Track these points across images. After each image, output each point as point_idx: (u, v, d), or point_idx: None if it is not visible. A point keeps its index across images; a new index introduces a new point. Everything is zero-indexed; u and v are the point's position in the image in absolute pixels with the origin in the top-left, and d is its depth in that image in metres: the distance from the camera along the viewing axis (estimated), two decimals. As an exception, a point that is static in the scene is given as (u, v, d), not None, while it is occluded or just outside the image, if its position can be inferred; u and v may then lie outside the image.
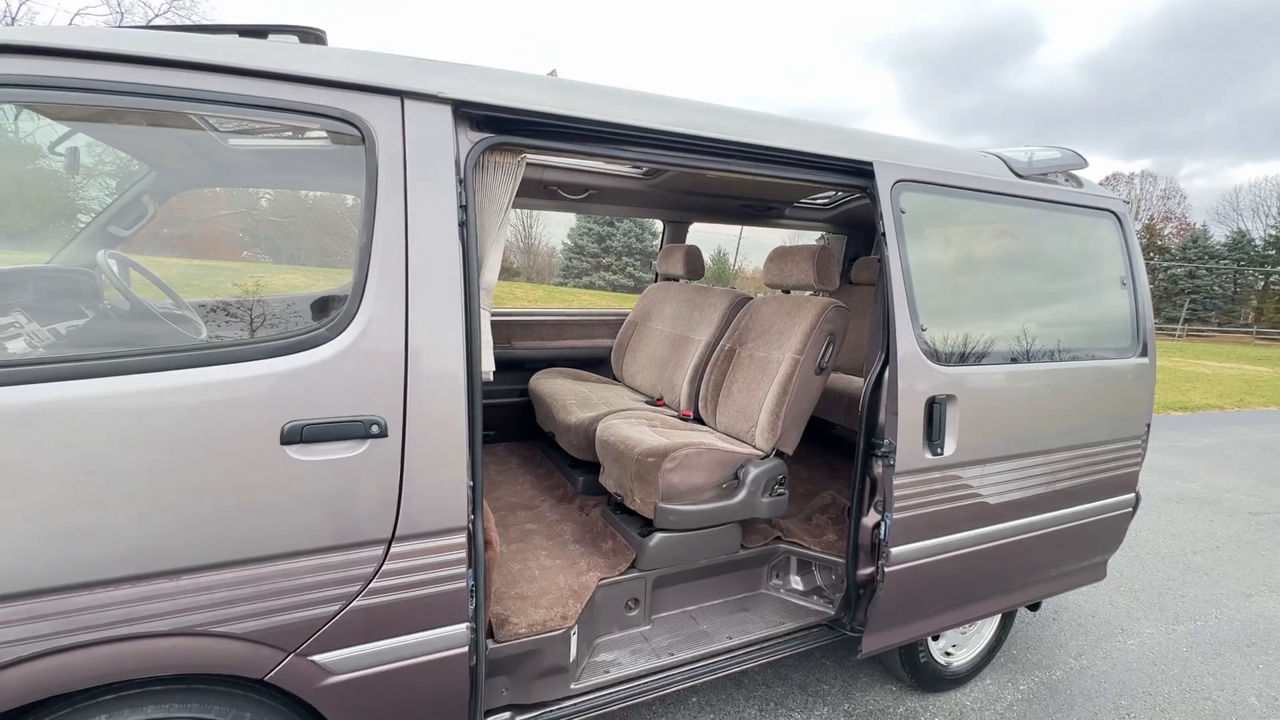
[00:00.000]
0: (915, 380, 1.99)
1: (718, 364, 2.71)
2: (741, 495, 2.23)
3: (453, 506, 1.46)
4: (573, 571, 2.14)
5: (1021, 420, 2.21)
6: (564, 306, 3.40)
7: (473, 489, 1.55)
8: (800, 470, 3.32)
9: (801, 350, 2.33)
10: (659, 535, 2.16)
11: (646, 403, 3.14)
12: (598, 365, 3.78)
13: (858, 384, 3.35)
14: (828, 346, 2.35)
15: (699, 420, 2.81)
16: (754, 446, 2.41)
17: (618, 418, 2.56)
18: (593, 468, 2.68)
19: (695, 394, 2.83)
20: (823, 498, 2.79)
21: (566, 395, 3.01)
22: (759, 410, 2.40)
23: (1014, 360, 2.22)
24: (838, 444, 3.82)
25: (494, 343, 3.41)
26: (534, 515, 2.61)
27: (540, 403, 3.12)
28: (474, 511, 1.55)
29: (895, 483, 1.99)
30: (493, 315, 3.42)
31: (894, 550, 2.03)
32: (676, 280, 3.58)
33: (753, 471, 2.25)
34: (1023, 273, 2.36)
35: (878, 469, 2.07)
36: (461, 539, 1.49)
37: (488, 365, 1.63)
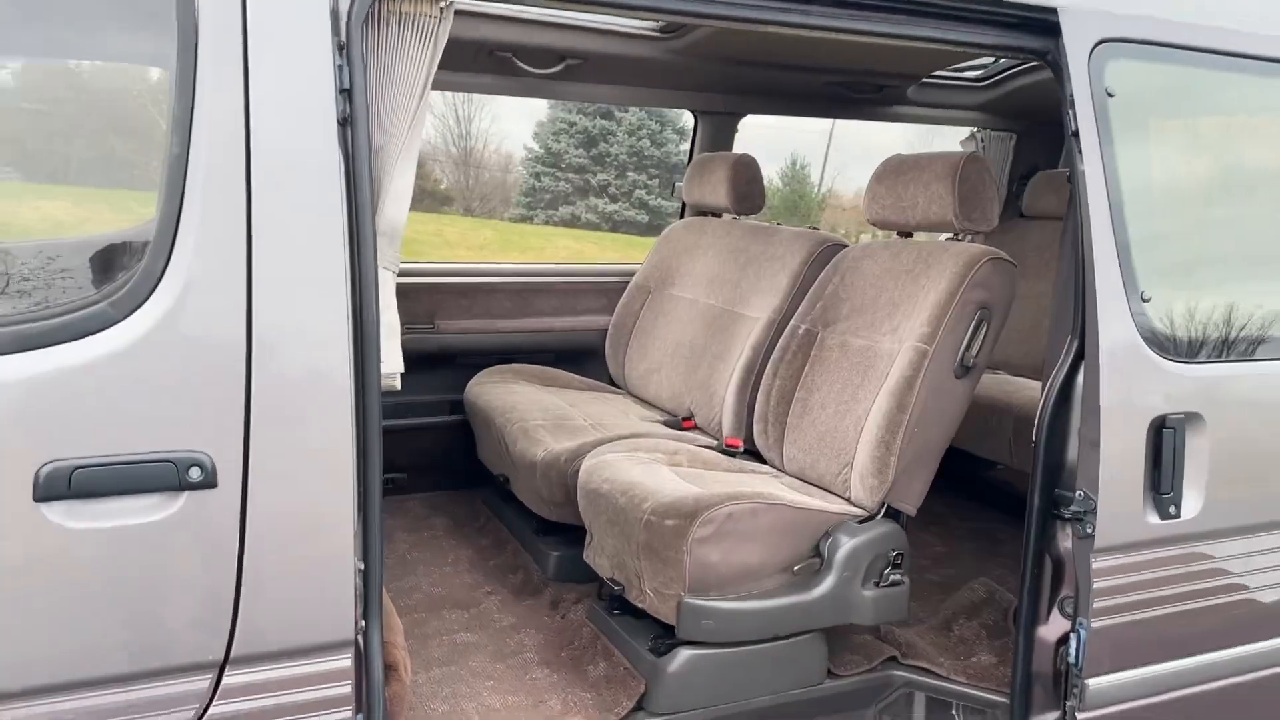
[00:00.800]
0: (1132, 388, 1.96)
1: (788, 360, 2.69)
2: (827, 584, 2.22)
3: (329, 607, 1.45)
4: (539, 717, 2.14)
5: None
6: (525, 260, 3.41)
7: (365, 575, 1.54)
8: (932, 542, 3.32)
9: (933, 336, 2.30)
10: (685, 653, 2.15)
11: (666, 424, 3.13)
12: (583, 361, 3.78)
13: (1031, 394, 3.31)
14: (979, 329, 2.32)
15: (754, 455, 2.80)
16: (848, 501, 2.39)
17: (616, 451, 2.54)
18: (574, 535, 2.68)
19: (748, 410, 2.82)
20: (971, 590, 2.76)
21: (529, 412, 3.00)
22: (857, 438, 2.37)
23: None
24: (998, 496, 3.82)
25: (405, 323, 3.41)
26: (474, 618, 2.61)
27: (485, 425, 3.12)
28: (366, 616, 1.54)
29: (1096, 565, 1.96)
30: (402, 276, 3.42)
31: (1093, 684, 2.00)
32: (717, 216, 3.56)
33: (846, 543, 2.23)
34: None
35: (1064, 542, 2.04)
36: (344, 662, 1.48)
37: (392, 363, 1.61)
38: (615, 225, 21.65)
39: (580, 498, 2.43)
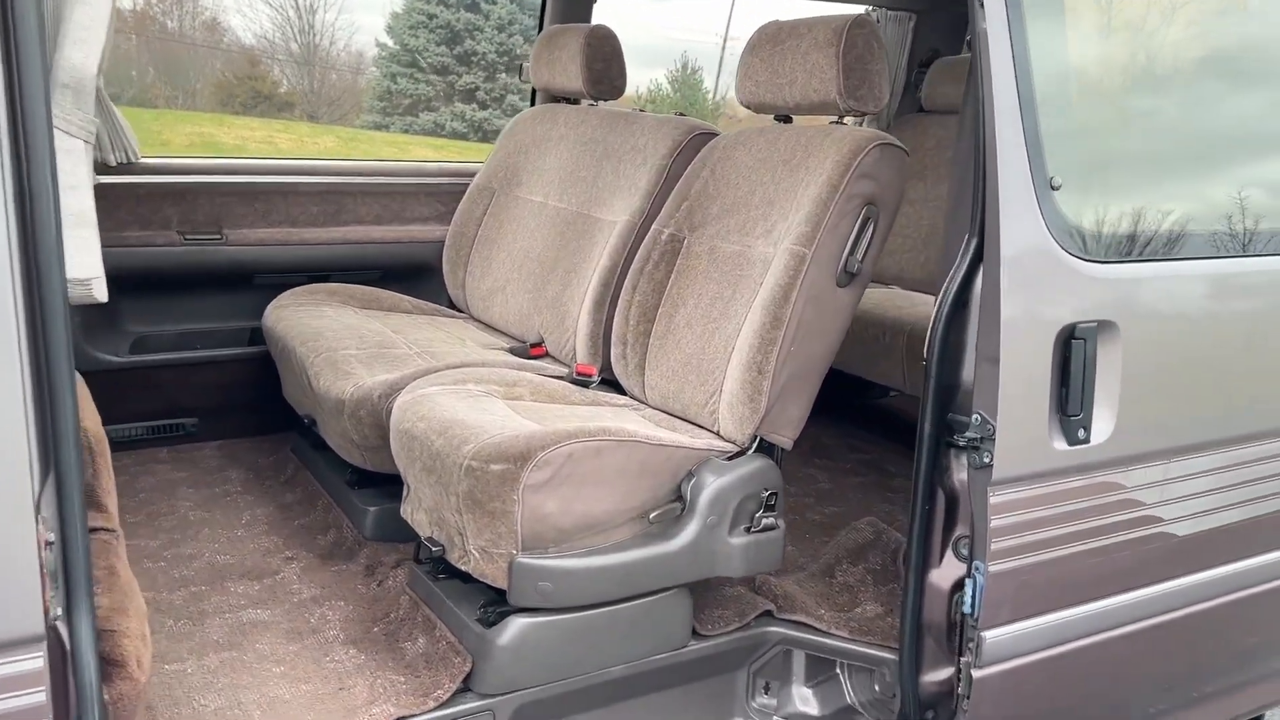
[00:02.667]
0: (1038, 293, 1.84)
1: (649, 271, 2.47)
2: (689, 532, 2.04)
3: (2, 594, 1.20)
4: (337, 708, 1.90)
5: (1246, 372, 2.15)
6: (334, 158, 3.07)
7: (63, 550, 1.29)
8: (816, 477, 3.20)
9: (812, 237, 2.11)
10: (519, 622, 1.95)
11: (512, 352, 2.88)
12: (415, 280, 3.48)
13: (928, 311, 3.18)
14: (865, 228, 2.15)
15: (613, 385, 2.58)
16: (717, 434, 2.21)
17: (440, 383, 2.28)
18: (396, 486, 2.44)
19: (605, 333, 2.60)
20: (856, 531, 2.65)
21: (340, 340, 2.70)
22: (727, 361, 2.18)
23: (1233, 253, 2.12)
24: (891, 425, 3.75)
25: (186, 233, 3.02)
26: (267, 590, 2.33)
27: (286, 357, 2.81)
28: (69, 601, 1.30)
29: (994, 500, 1.85)
30: (180, 175, 3.02)
31: (990, 636, 1.90)
32: (572, 102, 3.29)
33: (711, 484, 2.05)
34: (1263, 84, 2.25)
35: (959, 474, 1.93)
36: (34, 663, 1.24)
37: (86, 266, 1.31)
38: (486, 135, 20.96)
39: (393, 440, 2.17)
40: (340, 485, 2.71)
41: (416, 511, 2.16)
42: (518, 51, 21.69)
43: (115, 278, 2.95)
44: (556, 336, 2.81)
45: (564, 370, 2.69)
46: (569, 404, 2.40)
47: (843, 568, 2.49)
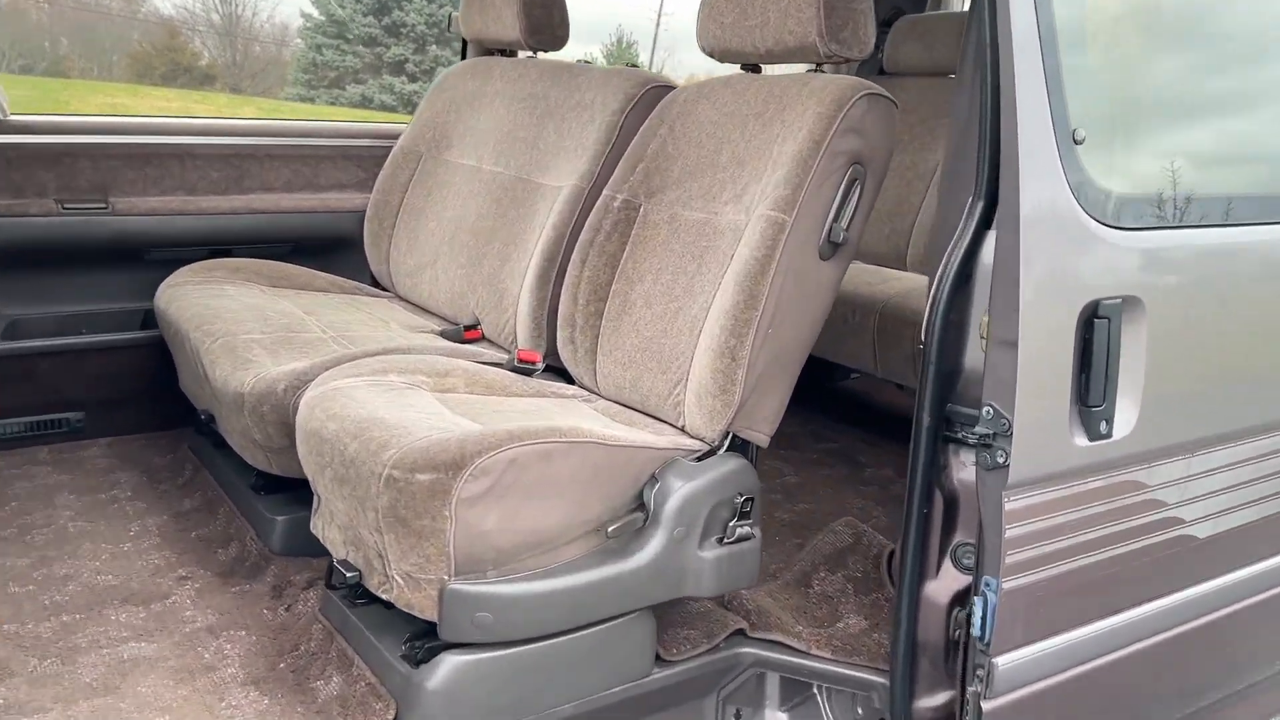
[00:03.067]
0: (1061, 263, 1.59)
1: (600, 242, 2.16)
2: (654, 547, 1.75)
3: None
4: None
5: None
6: (238, 117, 2.68)
7: None
8: (782, 469, 2.93)
9: (791, 202, 1.81)
10: (452, 661, 1.64)
11: (444, 335, 2.55)
12: (333, 255, 3.11)
13: (899, 287, 2.95)
14: (851, 190, 1.86)
15: (560, 373, 2.28)
16: (682, 430, 1.92)
17: (357, 374, 1.94)
18: (305, 490, 2.11)
19: (550, 313, 2.28)
20: (834, 534, 2.38)
21: (241, 323, 2.34)
22: (694, 346, 1.89)
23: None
24: (857, 409, 3.49)
25: (64, 201, 2.63)
26: (155, 618, 1.99)
27: (179, 342, 2.44)
28: None
29: (1010, 506, 1.59)
30: (56, 134, 2.62)
31: (1002, 662, 1.65)
32: (507, 54, 2.95)
33: (678, 489, 1.76)
34: None
35: (960, 472, 1.70)
36: None
37: None
38: (415, 109, 20.44)
39: (299, 443, 1.83)
40: (244, 490, 2.36)
41: (328, 527, 1.83)
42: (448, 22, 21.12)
43: (-16, 253, 2.58)
44: (494, 318, 2.48)
45: (504, 357, 2.37)
46: (510, 396, 2.08)
47: (820, 576, 2.22)
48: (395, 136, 3.06)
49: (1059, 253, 1.59)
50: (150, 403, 2.85)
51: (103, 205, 2.68)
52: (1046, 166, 1.56)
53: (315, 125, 3.09)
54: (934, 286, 1.67)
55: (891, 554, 2.26)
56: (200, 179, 2.83)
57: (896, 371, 2.81)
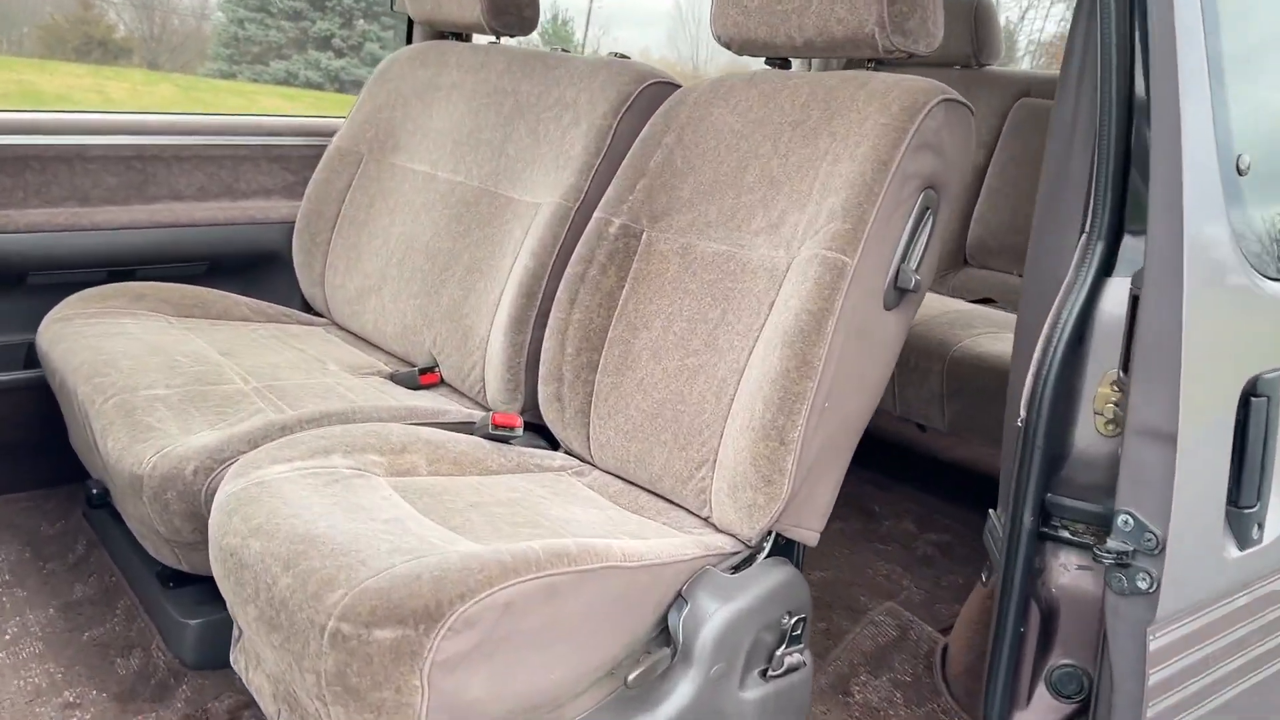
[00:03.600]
0: (1221, 328, 1.24)
1: (593, 278, 1.75)
2: (686, 692, 1.35)
3: None
4: None
5: None
6: (141, 111, 2.15)
7: None
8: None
9: (854, 238, 1.42)
10: None
11: (394, 379, 2.12)
12: (255, 275, 2.63)
13: (940, 315, 2.55)
14: (923, 223, 1.48)
15: (537, 429, 1.86)
16: (707, 523, 1.53)
17: (287, 454, 1.50)
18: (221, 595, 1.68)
19: (530, 363, 1.87)
20: (875, 627, 2.00)
21: (141, 372, 1.87)
22: (724, 418, 1.49)
23: None
24: (878, 448, 2.97)
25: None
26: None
27: (66, 395, 1.96)
28: None
29: (1156, 645, 1.24)
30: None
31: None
32: (463, 39, 2.51)
33: (714, 614, 1.36)
34: None
35: (1061, 578, 1.37)
36: None
37: None
38: (343, 85, 19.66)
39: (213, 559, 1.38)
40: (148, 580, 1.90)
41: (253, 670, 1.39)
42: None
43: None
44: (456, 360, 2.05)
45: (471, 412, 1.94)
46: (484, 474, 1.66)
47: (861, 680, 1.85)
48: (329, 134, 2.59)
49: (1222, 314, 1.23)
50: (35, 455, 2.36)
51: None
52: (1207, 202, 1.20)
53: (233, 120, 2.60)
54: (1043, 347, 1.31)
55: (945, 650, 1.90)
56: (94, 186, 2.34)
57: (917, 410, 2.44)
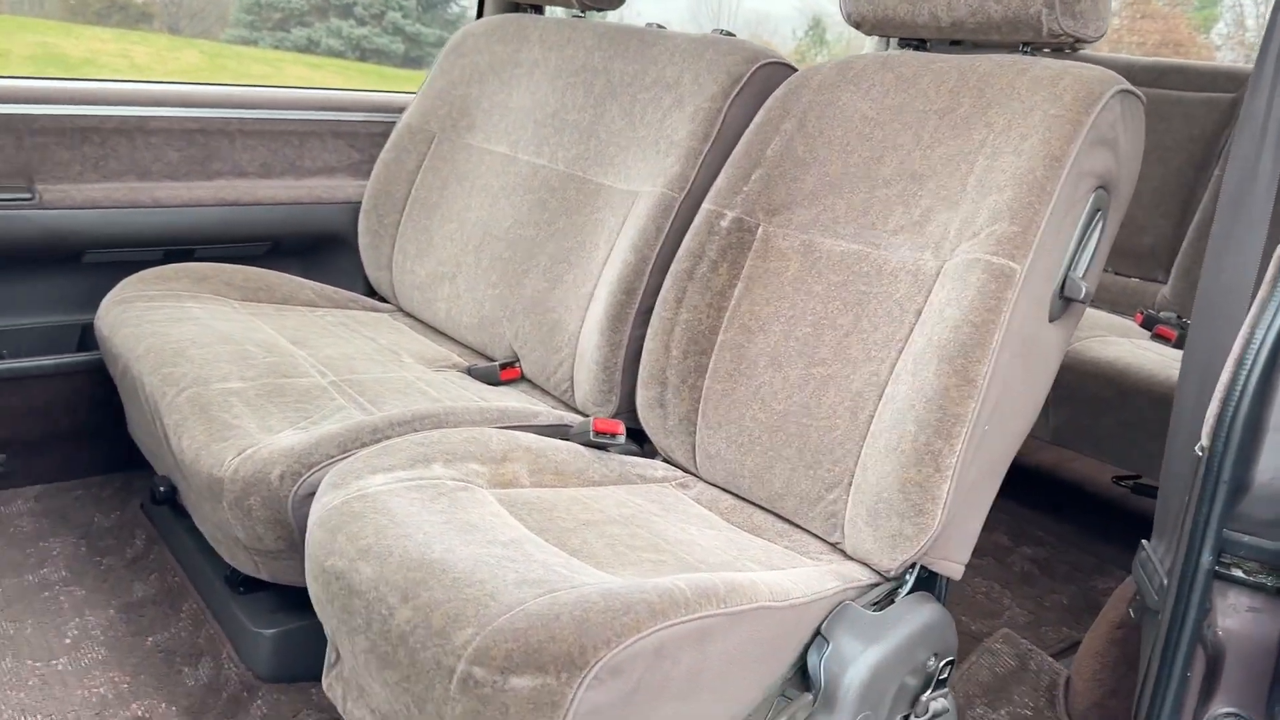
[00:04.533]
0: None
1: (703, 275, 1.62)
2: (826, 738, 1.24)
3: None
4: None
5: None
6: (203, 83, 2.00)
7: None
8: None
9: (1023, 242, 1.29)
10: None
11: (472, 373, 2.01)
12: (319, 257, 2.51)
13: (1105, 330, 2.38)
14: (1093, 226, 1.35)
15: (638, 437, 1.75)
16: (839, 551, 1.41)
17: (385, 462, 1.39)
18: (303, 592, 1.58)
19: (628, 364, 1.75)
20: (991, 655, 1.88)
21: (213, 362, 1.76)
22: (861, 437, 1.37)
23: None
24: (1022, 475, 2.82)
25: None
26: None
27: (130, 384, 1.85)
28: None
29: None
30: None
31: None
32: (538, 11, 2.37)
33: (859, 658, 1.24)
34: None
35: (1229, 619, 1.24)
36: None
37: None
38: (364, 54, 19.46)
39: (311, 581, 1.27)
40: (216, 584, 1.80)
41: (354, 702, 1.28)
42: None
43: None
44: (540, 356, 1.93)
45: (560, 414, 1.82)
46: (587, 485, 1.54)
47: (978, 713, 1.73)
48: (399, 109, 2.47)
49: None
50: (91, 442, 2.26)
51: (26, 195, 2.06)
52: None
53: (298, 94, 2.47)
54: (1233, 369, 1.17)
55: (1068, 683, 1.78)
56: (154, 161, 2.22)
57: (1071, 437, 2.29)
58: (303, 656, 1.64)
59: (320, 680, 1.58)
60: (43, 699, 1.61)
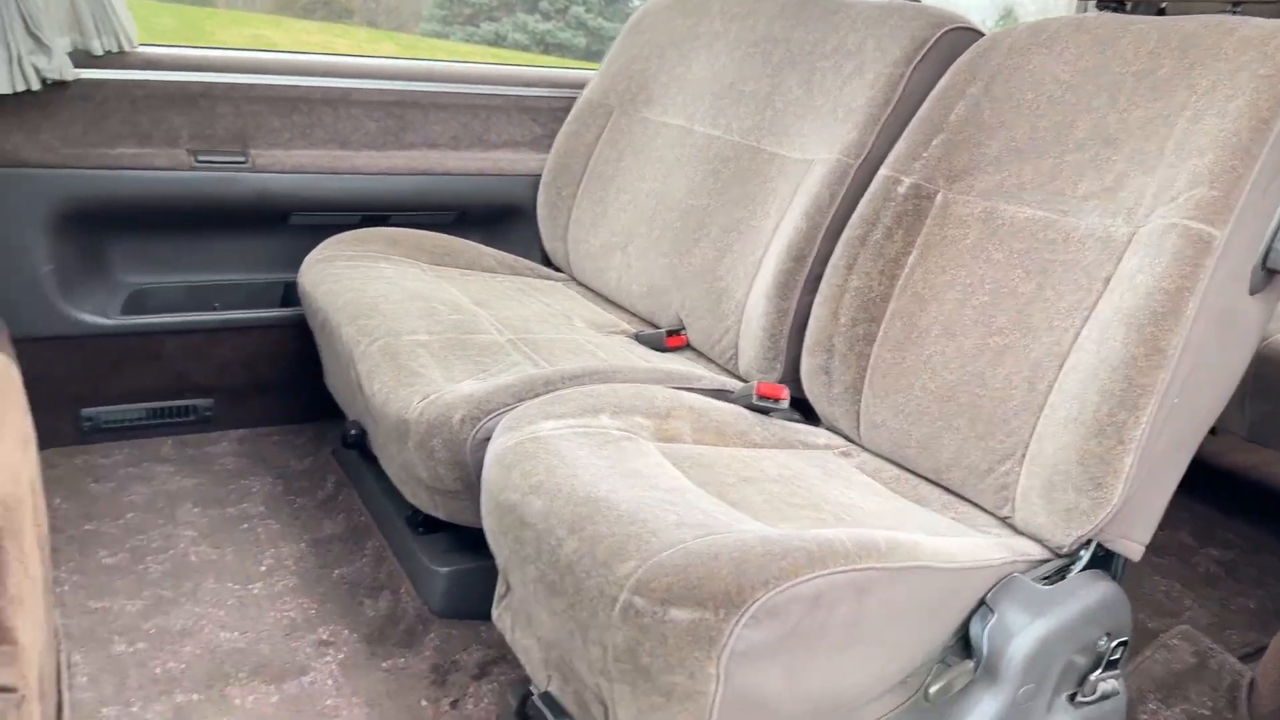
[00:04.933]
0: None
1: (876, 242, 1.61)
2: (988, 709, 1.21)
3: None
4: None
5: None
6: (401, 58, 2.14)
7: None
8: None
9: (1224, 208, 1.21)
10: None
11: (639, 339, 2.06)
12: (500, 226, 2.63)
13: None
14: None
15: (800, 408, 1.74)
16: (1004, 521, 1.37)
17: (556, 410, 1.45)
18: (479, 534, 1.66)
19: (793, 332, 1.75)
20: (1168, 651, 1.79)
21: (403, 316, 1.88)
22: (1039, 409, 1.33)
23: None
24: (1212, 475, 2.63)
25: (199, 151, 2.21)
26: (292, 705, 1.56)
27: (328, 335, 2.00)
28: None
29: None
30: (186, 71, 2.19)
31: None
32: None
33: (1027, 628, 1.21)
34: None
35: None
36: None
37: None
38: (547, 48, 20.05)
39: (486, 514, 1.35)
40: (397, 524, 1.92)
41: (520, 630, 1.34)
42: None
43: (104, 212, 2.18)
44: (707, 325, 1.96)
45: (723, 379, 1.84)
46: (748, 447, 1.56)
47: (1150, 708, 1.64)
48: (580, 85, 2.54)
49: None
50: (288, 392, 2.45)
51: (241, 159, 2.25)
52: None
53: (487, 70, 2.58)
54: None
55: (1252, 684, 1.67)
56: (356, 130, 2.37)
57: (1269, 434, 2.13)
58: (473, 595, 1.73)
59: (488, 619, 1.67)
60: (240, 618, 1.76)
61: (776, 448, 1.58)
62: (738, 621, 1.02)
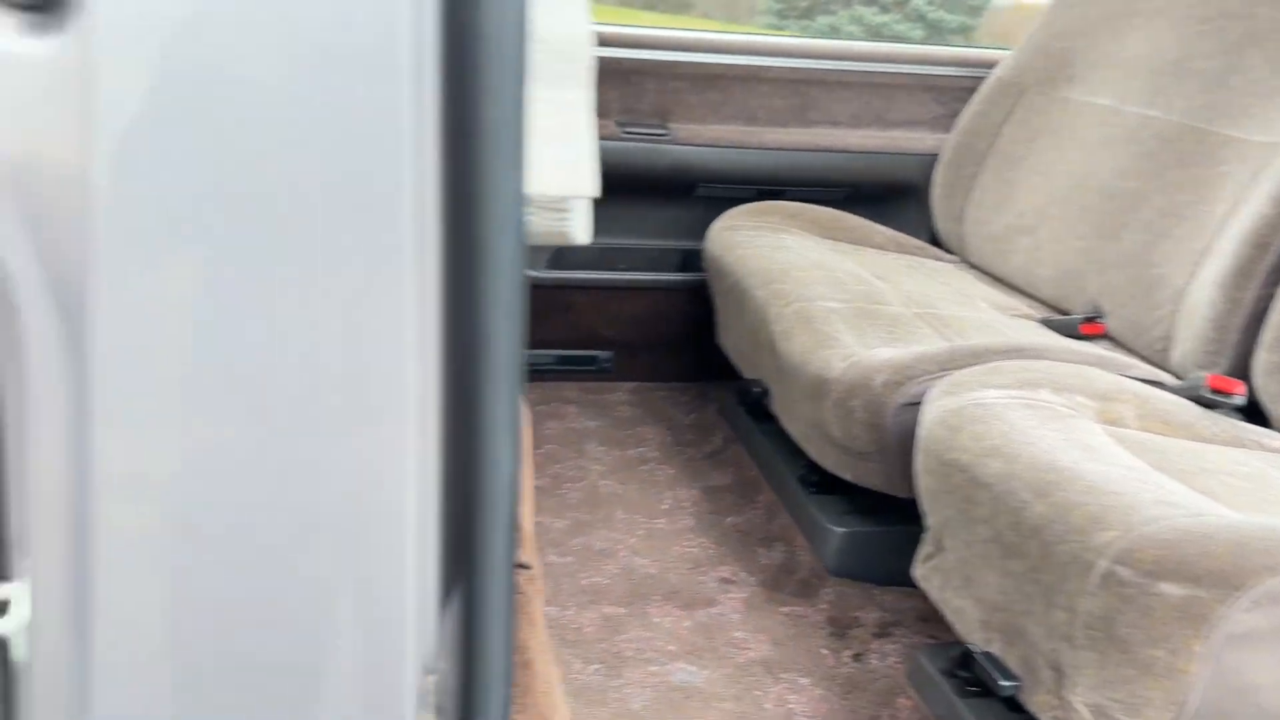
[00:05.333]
0: None
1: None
2: None
3: None
4: None
5: None
6: (804, 36, 2.20)
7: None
8: None
9: None
10: None
11: (1047, 324, 2.00)
12: (891, 205, 2.64)
13: None
14: None
15: (1252, 409, 1.63)
16: None
17: (994, 380, 1.45)
18: (876, 500, 1.69)
19: (1247, 323, 1.63)
20: None
21: (812, 284, 1.95)
22: None
23: None
24: None
25: (626, 124, 2.41)
26: (703, 630, 1.70)
27: (735, 297, 2.12)
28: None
29: None
30: (617, 47, 2.39)
31: None
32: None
33: None
34: None
35: None
36: None
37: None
38: (884, 41, 19.71)
39: (923, 471, 1.38)
40: (788, 481, 2.00)
41: (953, 591, 1.37)
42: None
43: (543, 176, 2.44)
44: (1134, 312, 1.86)
45: (1152, 370, 1.75)
46: (1197, 439, 1.48)
47: None
48: (987, 65, 2.50)
49: None
50: (676, 351, 2.61)
51: (663, 131, 2.42)
52: None
53: (892, 48, 2.60)
54: None
55: None
56: (762, 107, 2.48)
57: None
58: (870, 558, 1.78)
59: (882, 583, 1.71)
60: (649, 547, 1.92)
61: (1228, 444, 1.49)
62: (1235, 603, 0.99)
